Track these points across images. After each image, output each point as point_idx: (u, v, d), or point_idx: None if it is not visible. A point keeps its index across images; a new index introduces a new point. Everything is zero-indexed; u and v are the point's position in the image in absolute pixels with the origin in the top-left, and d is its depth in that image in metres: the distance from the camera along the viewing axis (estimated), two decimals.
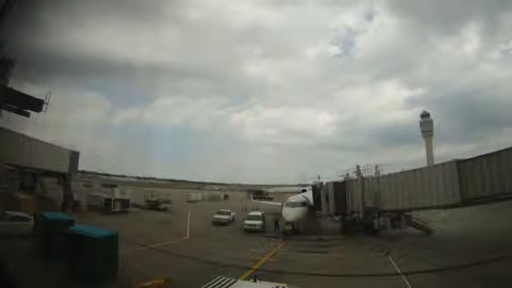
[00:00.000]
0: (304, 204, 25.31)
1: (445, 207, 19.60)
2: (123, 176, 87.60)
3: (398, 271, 12.18)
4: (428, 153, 54.12)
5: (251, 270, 12.26)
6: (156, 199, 38.31)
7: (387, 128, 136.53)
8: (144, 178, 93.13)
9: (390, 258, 13.99)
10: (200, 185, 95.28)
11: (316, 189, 25.61)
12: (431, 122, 56.19)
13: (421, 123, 56.83)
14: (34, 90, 21.13)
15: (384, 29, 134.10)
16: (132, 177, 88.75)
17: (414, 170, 20.36)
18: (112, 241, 10.33)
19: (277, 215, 26.97)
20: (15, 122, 19.64)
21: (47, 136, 26.10)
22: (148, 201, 37.96)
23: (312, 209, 25.49)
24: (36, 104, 19.69)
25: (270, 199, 53.17)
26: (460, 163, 17.81)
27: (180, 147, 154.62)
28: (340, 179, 25.14)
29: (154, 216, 31.15)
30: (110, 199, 30.86)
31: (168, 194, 42.35)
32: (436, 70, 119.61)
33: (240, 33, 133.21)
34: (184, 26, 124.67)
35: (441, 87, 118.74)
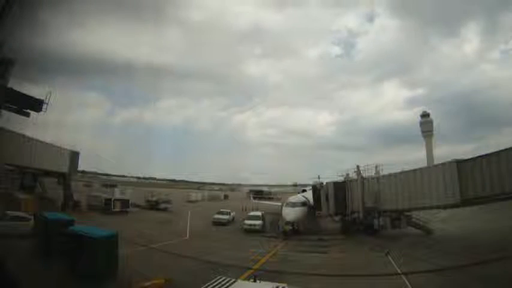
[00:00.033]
0: (304, 204, 25.31)
1: (445, 207, 19.59)
2: (123, 176, 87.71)
3: (398, 271, 12.18)
4: (428, 153, 54.15)
5: (251, 270, 12.26)
6: (156, 199, 38.29)
7: (387, 128, 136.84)
8: (144, 178, 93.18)
9: (390, 258, 13.98)
10: (200, 185, 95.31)
11: (316, 189, 25.61)
12: (431, 122, 56.25)
13: (421, 123, 56.87)
14: (34, 90, 21.16)
15: (384, 31, 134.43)
16: (132, 177, 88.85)
17: (414, 170, 20.36)
18: (112, 241, 10.33)
19: (277, 215, 27.00)
20: (15, 122, 19.66)
21: (47, 136, 26.15)
22: (148, 201, 37.94)
23: (312, 209, 25.49)
24: (36, 104, 19.69)
25: (270, 199, 53.23)
26: (460, 163, 17.81)
27: (181, 148, 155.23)
28: (340, 179, 25.15)
29: (154, 216, 31.14)
30: (110, 199, 30.82)
31: (168, 194, 42.35)
32: (436, 71, 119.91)
33: (242, 34, 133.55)
34: (186, 27, 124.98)
35: (441, 88, 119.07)
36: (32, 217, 16.16)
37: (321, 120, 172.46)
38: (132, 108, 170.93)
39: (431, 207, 20.14)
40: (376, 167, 23.73)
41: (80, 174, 46.35)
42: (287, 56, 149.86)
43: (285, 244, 20.42)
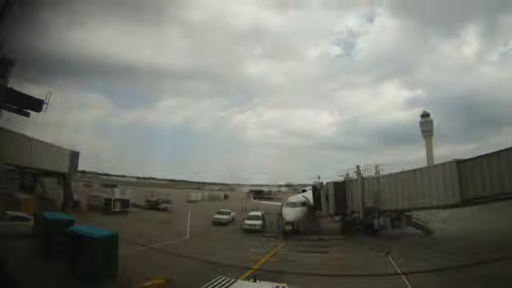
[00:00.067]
0: (304, 204, 25.30)
1: (445, 207, 19.59)
2: (123, 176, 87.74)
3: (398, 271, 12.18)
4: (428, 153, 54.15)
5: (251, 270, 12.26)
6: (156, 199, 38.29)
7: (387, 128, 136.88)
8: (144, 178, 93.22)
9: (390, 258, 13.98)
10: (200, 185, 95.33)
11: (316, 189, 25.61)
12: (431, 122, 56.25)
13: (421, 123, 56.87)
14: (34, 90, 21.17)
15: (385, 31, 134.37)
16: (132, 177, 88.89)
17: (414, 170, 20.36)
18: (112, 241, 10.33)
19: (277, 215, 27.00)
20: (15, 122, 19.65)
21: (47, 136, 26.15)
22: (148, 201, 37.95)
23: (312, 209, 25.48)
24: (36, 104, 19.68)
25: (270, 199, 53.23)
26: (460, 163, 17.81)
27: (181, 148, 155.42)
28: (340, 179, 25.16)
29: (154, 216, 31.14)
30: (110, 199, 30.82)
31: (168, 194, 42.35)
32: (436, 71, 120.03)
33: (242, 34, 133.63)
34: (186, 27, 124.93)
35: (441, 88, 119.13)
36: (32, 217, 16.15)
37: (321, 121, 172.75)
38: (133, 109, 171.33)
39: (431, 207, 20.14)
40: (376, 167, 23.77)
41: (80, 174, 46.35)
42: (287, 57, 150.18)
43: (285, 244, 20.41)
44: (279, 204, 31.56)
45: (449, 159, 18.93)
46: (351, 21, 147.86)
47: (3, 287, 5.10)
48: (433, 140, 55.65)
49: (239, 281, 4.71)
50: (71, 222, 12.66)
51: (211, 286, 4.27)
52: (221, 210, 31.72)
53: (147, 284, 8.54)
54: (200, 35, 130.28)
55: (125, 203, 31.98)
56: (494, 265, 11.22)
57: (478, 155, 17.50)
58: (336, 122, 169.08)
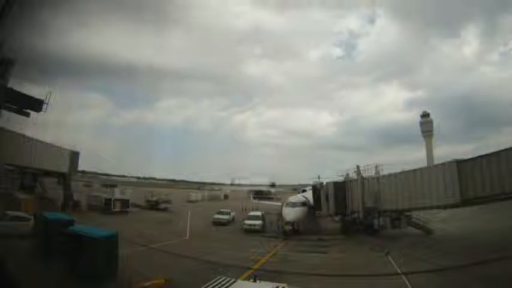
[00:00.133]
0: (304, 204, 25.30)
1: (445, 207, 19.60)
2: (123, 176, 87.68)
3: (398, 271, 12.18)
4: (428, 153, 54.13)
5: (251, 270, 12.26)
6: (156, 199, 38.28)
7: (387, 128, 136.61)
8: (144, 178, 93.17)
9: (390, 258, 13.98)
10: (200, 185, 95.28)
11: (316, 189, 25.61)
12: (431, 122, 56.22)
13: (421, 123, 56.84)
14: (34, 90, 21.16)
15: (385, 32, 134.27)
16: (132, 177, 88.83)
17: (414, 170, 20.37)
18: (112, 241, 10.33)
19: (277, 215, 27.01)
20: (15, 122, 19.67)
21: (47, 136, 26.14)
22: (148, 201, 37.93)
23: (312, 209, 25.49)
24: (36, 104, 19.69)
25: (270, 199, 53.22)
26: (460, 163, 17.82)
27: (181, 148, 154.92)
28: (340, 179, 25.17)
29: (154, 216, 31.15)
30: (110, 199, 30.81)
31: (168, 194, 42.35)
32: (436, 72, 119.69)
33: (243, 35, 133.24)
34: (187, 28, 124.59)
35: (441, 88, 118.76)
36: (32, 217, 16.15)
37: (321, 121, 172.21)
38: (133, 109, 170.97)
39: (431, 207, 20.14)
40: (376, 167, 23.78)
41: (80, 174, 46.29)
42: (288, 57, 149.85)
43: (285, 244, 20.42)
44: (279, 204, 31.57)
45: (449, 159, 18.94)
46: (352, 22, 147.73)
47: (3, 287, 5.10)
48: (433, 140, 55.68)
49: (239, 281, 4.71)
50: (71, 222, 12.66)
51: (211, 286, 4.27)
52: (221, 210, 31.72)
53: (147, 284, 8.54)
54: (201, 35, 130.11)
55: (124, 203, 31.98)
56: (494, 265, 11.22)
57: (478, 155, 17.52)
58: (336, 122, 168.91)
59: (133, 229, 21.32)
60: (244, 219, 27.31)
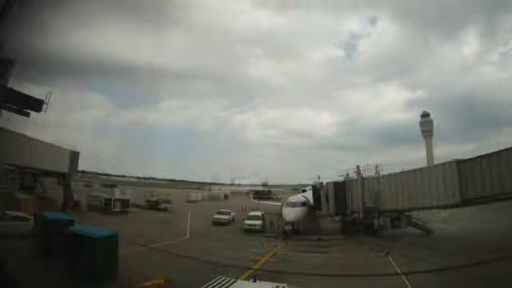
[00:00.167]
0: (304, 204, 25.31)
1: (445, 207, 19.60)
2: (123, 176, 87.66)
3: (398, 271, 12.18)
4: (428, 153, 54.11)
5: (251, 270, 12.27)
6: (156, 199, 38.26)
7: (387, 128, 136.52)
8: (144, 178, 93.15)
9: (390, 258, 13.99)
10: (200, 185, 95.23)
11: (316, 189, 25.61)
12: (431, 122, 56.20)
13: (421, 123, 56.83)
14: (34, 90, 21.14)
15: (386, 33, 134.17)
16: (132, 177, 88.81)
17: (414, 170, 20.37)
18: (112, 241, 10.33)
19: (277, 215, 27.03)
20: (15, 122, 19.67)
21: (47, 136, 26.14)
22: (148, 201, 37.92)
23: (312, 209, 25.49)
24: (36, 104, 19.68)
25: (270, 199, 53.18)
26: (460, 163, 17.82)
27: (182, 148, 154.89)
28: (340, 179, 25.17)
29: (154, 216, 31.14)
30: (110, 199, 30.80)
31: (168, 194, 42.34)
32: (436, 72, 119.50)
33: (244, 35, 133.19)
34: (189, 28, 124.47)
35: (441, 89, 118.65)
36: (32, 217, 16.15)
37: (321, 121, 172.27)
38: (134, 109, 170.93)
39: (431, 207, 20.14)
40: (376, 167, 23.78)
41: (80, 174, 46.28)
42: (289, 57, 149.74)
43: (285, 244, 20.42)
44: (279, 204, 31.58)
45: (449, 159, 18.94)
46: (354, 24, 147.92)
47: (3, 287, 5.10)
48: (433, 140, 55.65)
49: (239, 281, 4.71)
50: (71, 222, 12.66)
51: (211, 286, 4.28)
52: (221, 210, 31.72)
53: (147, 284, 8.55)
54: (201, 35, 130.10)
55: (124, 203, 31.97)
56: (494, 265, 11.22)
57: (478, 155, 17.51)
58: (336, 122, 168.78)
59: (134, 229, 21.32)
60: (244, 219, 27.32)
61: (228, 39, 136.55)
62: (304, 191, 33.22)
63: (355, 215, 23.19)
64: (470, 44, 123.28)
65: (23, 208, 19.86)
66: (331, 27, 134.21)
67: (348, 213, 23.62)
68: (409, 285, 10.34)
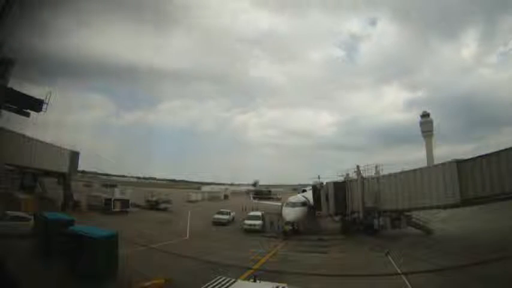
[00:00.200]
0: (304, 204, 25.32)
1: (445, 207, 19.60)
2: (123, 176, 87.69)
3: (398, 271, 12.18)
4: (428, 153, 54.09)
5: (251, 270, 12.27)
6: (156, 199, 38.26)
7: (387, 128, 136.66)
8: (144, 178, 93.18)
9: (390, 258, 13.98)
10: (200, 185, 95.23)
11: (316, 189, 25.61)
12: (431, 122, 56.18)
13: (421, 123, 56.81)
14: (34, 90, 21.17)
15: (386, 34, 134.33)
16: (132, 177, 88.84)
17: (414, 170, 20.36)
18: (112, 241, 10.33)
19: (276, 215, 27.04)
20: (15, 122, 19.67)
21: (47, 136, 26.15)
22: (148, 201, 37.92)
23: (312, 209, 25.49)
24: (36, 104, 19.68)
25: (270, 199, 53.19)
26: (460, 163, 17.81)
27: (182, 149, 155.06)
28: (340, 179, 25.17)
29: (154, 216, 31.14)
30: (110, 199, 30.80)
31: (168, 194, 42.34)
32: (436, 73, 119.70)
33: (245, 36, 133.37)
34: (189, 29, 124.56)
35: (441, 89, 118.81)
36: (32, 217, 16.15)
37: (321, 121, 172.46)
38: (135, 110, 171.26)
39: (431, 207, 20.14)
40: (376, 167, 23.78)
41: (80, 174, 46.31)
42: (290, 58, 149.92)
43: (285, 244, 20.42)
44: (279, 204, 31.58)
45: (449, 159, 18.94)
46: (354, 24, 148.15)
47: (3, 287, 5.10)
48: (433, 140, 55.62)
49: (239, 281, 4.71)
50: (71, 222, 12.66)
51: (211, 286, 4.27)
52: (221, 210, 31.72)
53: (147, 284, 8.55)
54: (202, 36, 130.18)
55: (124, 203, 31.97)
56: (494, 265, 11.22)
57: (478, 155, 17.52)
58: (336, 122, 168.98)
59: (133, 229, 21.32)
60: (244, 219, 27.31)
61: (229, 39, 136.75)
62: (304, 191, 33.22)
63: (355, 215, 23.19)
64: (470, 44, 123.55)
65: (23, 208, 19.85)
66: (332, 28, 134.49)
67: (348, 213, 23.62)
68: (409, 285, 10.33)
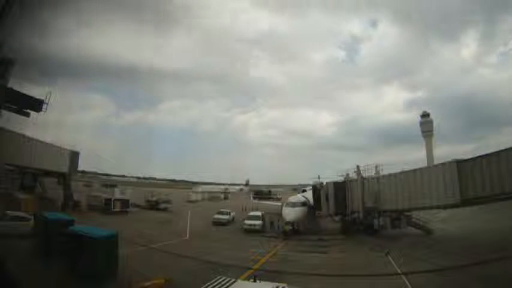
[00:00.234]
0: (304, 204, 25.31)
1: (445, 207, 19.59)
2: (123, 176, 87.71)
3: (398, 271, 12.18)
4: (428, 153, 54.09)
5: (251, 270, 12.26)
6: (156, 199, 38.28)
7: (387, 128, 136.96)
8: (144, 178, 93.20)
9: (390, 258, 13.98)
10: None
11: (316, 189, 25.61)
12: (431, 122, 56.18)
13: (421, 123, 56.82)
14: (34, 90, 21.17)
15: (387, 36, 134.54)
16: (132, 177, 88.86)
17: (414, 170, 20.35)
18: (112, 241, 10.33)
19: (275, 215, 27.04)
20: (15, 122, 19.66)
21: (47, 136, 26.16)
22: (148, 201, 37.93)
23: (312, 209, 25.49)
24: (36, 104, 19.67)
25: (270, 199, 53.20)
26: (460, 163, 17.81)
27: (182, 149, 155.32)
28: (340, 179, 25.16)
29: (154, 216, 31.14)
30: (110, 199, 30.81)
31: (168, 194, 42.34)
32: (436, 73, 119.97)
33: (246, 36, 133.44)
34: (190, 29, 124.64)
35: (441, 89, 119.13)
36: (32, 217, 16.15)
37: (321, 121, 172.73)
38: (135, 110, 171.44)
39: (431, 207, 20.13)
40: (376, 167, 23.77)
41: (80, 174, 46.31)
42: (291, 59, 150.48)
43: (285, 244, 20.42)
44: (279, 204, 31.58)
45: (449, 159, 18.93)
46: (355, 26, 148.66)
47: (3, 287, 5.10)
48: (433, 140, 55.64)
49: (239, 281, 4.71)
50: (71, 222, 12.66)
51: (211, 286, 4.27)
52: (221, 210, 31.73)
53: (147, 284, 8.54)
54: (203, 35, 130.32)
55: (124, 203, 31.97)
56: (494, 265, 11.21)
57: (478, 155, 17.51)
58: (336, 122, 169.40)
59: (133, 229, 21.31)
60: (244, 219, 27.31)
61: (229, 39, 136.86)
62: (304, 191, 33.22)
63: (355, 215, 23.18)
64: (470, 44, 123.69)
65: (23, 208, 19.85)
66: (332, 29, 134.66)
67: (348, 213, 23.61)
68: (409, 285, 10.33)
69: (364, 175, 23.32)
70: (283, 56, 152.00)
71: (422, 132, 56.47)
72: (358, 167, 23.63)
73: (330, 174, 38.65)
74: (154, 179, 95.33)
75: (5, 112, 18.05)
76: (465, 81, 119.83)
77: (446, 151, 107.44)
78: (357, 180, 23.13)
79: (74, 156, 29.61)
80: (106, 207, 29.41)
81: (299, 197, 27.98)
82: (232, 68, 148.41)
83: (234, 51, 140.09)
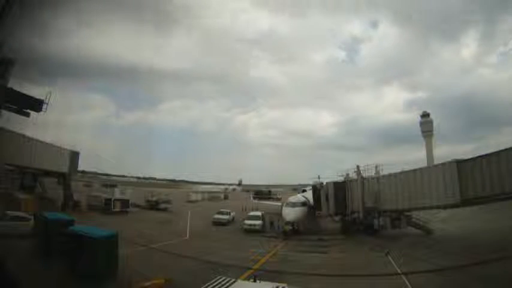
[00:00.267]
0: (304, 204, 25.31)
1: (445, 207, 19.58)
2: (123, 176, 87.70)
3: (398, 271, 12.18)
4: (428, 153, 54.12)
5: (251, 270, 12.26)
6: (156, 199, 38.28)
7: (387, 128, 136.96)
8: (144, 178, 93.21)
9: (390, 258, 13.98)
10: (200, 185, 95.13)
11: (316, 189, 25.60)
12: (431, 122, 56.21)
13: (421, 123, 56.84)
14: (34, 90, 21.17)
15: (387, 37, 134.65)
16: (132, 177, 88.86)
17: (414, 170, 20.35)
18: (112, 241, 10.33)
19: (275, 215, 27.04)
20: (15, 122, 19.68)
21: (47, 136, 26.16)
22: (148, 201, 37.93)
23: (312, 209, 25.48)
24: (36, 104, 19.69)
25: (270, 199, 53.21)
26: (460, 163, 17.80)
27: (182, 149, 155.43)
28: (340, 179, 25.16)
29: (154, 216, 31.14)
30: (110, 199, 30.80)
31: (168, 194, 42.33)
32: (436, 73, 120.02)
33: (246, 36, 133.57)
34: (190, 29, 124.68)
35: (441, 89, 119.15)
36: (32, 217, 16.14)
37: (321, 121, 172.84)
38: (135, 110, 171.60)
39: (431, 207, 20.12)
40: (376, 167, 23.77)
41: (80, 174, 46.31)
42: (291, 59, 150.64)
43: (285, 244, 20.41)
44: (279, 204, 31.57)
45: (449, 159, 18.93)
46: (355, 27, 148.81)
47: (3, 287, 5.10)
48: (433, 140, 55.69)
49: (239, 281, 4.71)
50: (71, 222, 12.66)
51: (211, 286, 4.27)
52: (221, 210, 31.72)
53: (147, 284, 8.54)
54: (203, 35, 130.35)
55: (124, 203, 31.96)
56: (494, 265, 11.21)
57: (478, 155, 17.50)
58: (336, 122, 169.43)
59: (133, 229, 21.31)
60: (244, 219, 27.31)
61: (229, 39, 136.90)
62: (304, 191, 33.21)
63: (355, 215, 23.17)
64: (470, 44, 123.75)
65: (23, 208, 19.85)
66: (332, 29, 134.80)
67: (348, 213, 23.60)
68: (409, 285, 10.33)
69: (364, 175, 23.31)
70: (283, 56, 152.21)
71: (422, 132, 56.49)
72: (358, 167, 23.65)
73: (330, 174, 38.66)
74: (154, 179, 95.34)
75: (5, 112, 18.06)
76: (465, 82, 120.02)
77: (446, 151, 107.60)
78: (357, 180, 23.12)
79: (74, 156, 29.60)
80: (106, 207, 29.39)
81: (299, 197, 27.97)
82: (232, 68, 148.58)
83: (234, 51, 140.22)
